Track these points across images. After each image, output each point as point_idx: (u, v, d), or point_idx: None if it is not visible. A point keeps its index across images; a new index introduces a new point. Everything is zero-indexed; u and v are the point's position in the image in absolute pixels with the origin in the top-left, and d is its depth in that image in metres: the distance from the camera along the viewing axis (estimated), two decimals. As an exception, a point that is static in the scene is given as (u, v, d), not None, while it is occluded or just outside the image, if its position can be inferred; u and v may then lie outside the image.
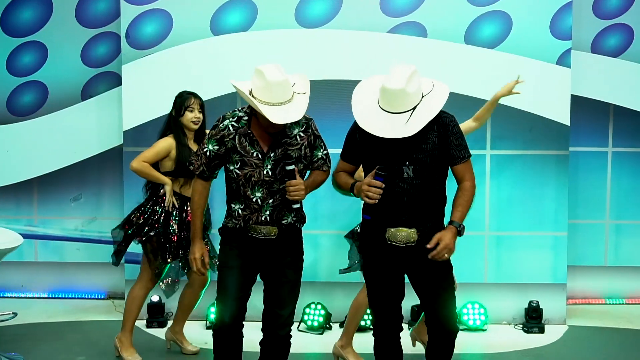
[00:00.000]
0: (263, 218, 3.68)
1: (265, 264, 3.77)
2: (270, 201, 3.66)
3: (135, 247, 5.23)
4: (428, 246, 3.46)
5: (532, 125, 5.68)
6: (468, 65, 5.66)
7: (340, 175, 3.73)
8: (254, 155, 3.62)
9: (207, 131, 4.12)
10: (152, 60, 5.77)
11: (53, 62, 6.31)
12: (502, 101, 4.87)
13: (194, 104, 4.78)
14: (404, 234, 3.55)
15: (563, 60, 5.67)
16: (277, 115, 3.44)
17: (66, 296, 6.44)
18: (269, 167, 3.62)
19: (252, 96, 3.48)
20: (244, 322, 3.81)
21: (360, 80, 3.72)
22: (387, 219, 3.57)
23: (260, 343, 3.86)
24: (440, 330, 3.63)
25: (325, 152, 3.80)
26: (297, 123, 3.65)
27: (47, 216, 6.46)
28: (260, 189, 3.65)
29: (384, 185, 3.46)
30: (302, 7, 5.74)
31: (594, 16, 6.17)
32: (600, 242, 6.35)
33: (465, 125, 4.60)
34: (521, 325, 5.68)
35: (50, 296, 6.45)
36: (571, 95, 5.73)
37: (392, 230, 3.56)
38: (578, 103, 5.98)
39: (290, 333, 3.83)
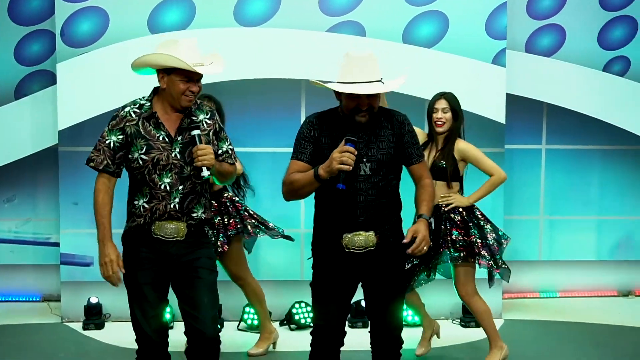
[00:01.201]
0: (172, 206, 3.47)
1: (175, 269, 3.54)
2: (180, 187, 3.48)
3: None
4: (404, 241, 3.36)
5: (469, 123, 5.75)
6: (406, 64, 5.70)
7: (296, 174, 3.46)
8: (161, 138, 3.47)
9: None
10: (88, 58, 5.67)
11: (-15, 60, 6.16)
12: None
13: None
14: (362, 239, 3.44)
15: (498, 59, 5.76)
16: (199, 69, 3.41)
17: (0, 299, 6.29)
18: (177, 150, 3.48)
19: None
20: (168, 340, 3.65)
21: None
22: (342, 223, 3.46)
23: (186, 352, 3.62)
24: (387, 340, 3.62)
25: (230, 146, 3.67)
26: (201, 110, 3.58)
27: (-21, 218, 6.31)
28: (169, 174, 3.46)
29: (356, 152, 3.29)
30: (240, 5, 5.71)
31: (527, 17, 6.29)
32: (535, 238, 6.49)
33: None
34: (459, 320, 5.77)
35: (-17, 299, 6.30)
36: (506, 93, 5.83)
37: (349, 235, 3.44)
38: (513, 101, 6.07)
39: (219, 337, 3.58)
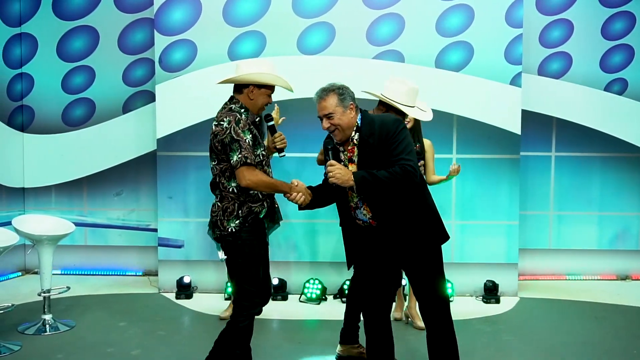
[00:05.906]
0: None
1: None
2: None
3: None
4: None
5: (490, 134, 5.69)
6: (438, 85, 5.65)
7: None
8: (259, 136, 3.53)
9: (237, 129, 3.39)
10: (180, 81, 5.75)
11: (99, 83, 6.30)
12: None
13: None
14: None
15: (515, 81, 5.67)
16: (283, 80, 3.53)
17: (110, 273, 6.43)
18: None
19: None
20: None
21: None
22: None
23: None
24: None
25: None
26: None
27: (95, 208, 6.44)
28: (269, 166, 3.54)
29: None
30: (302, 37, 5.73)
31: (540, 45, 6.18)
32: (545, 230, 6.36)
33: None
34: (481, 297, 5.69)
35: (97, 273, 6.43)
36: (521, 109, 5.73)
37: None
38: (527, 116, 5.99)
39: None
